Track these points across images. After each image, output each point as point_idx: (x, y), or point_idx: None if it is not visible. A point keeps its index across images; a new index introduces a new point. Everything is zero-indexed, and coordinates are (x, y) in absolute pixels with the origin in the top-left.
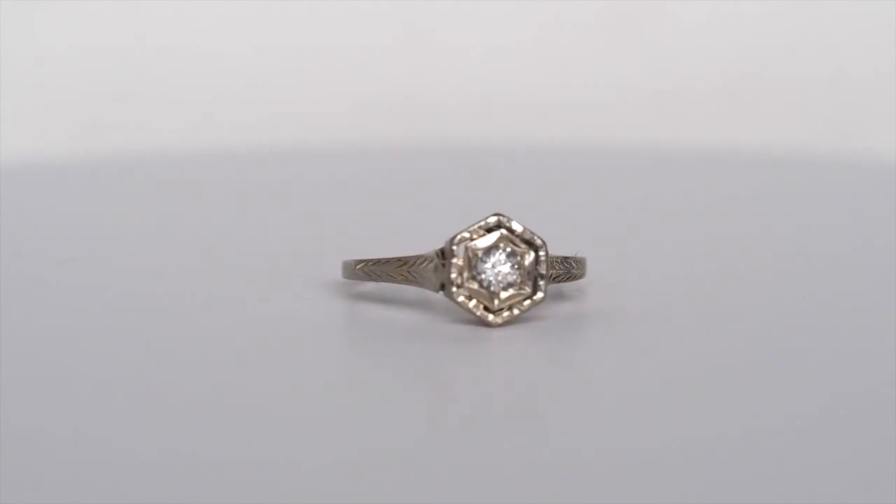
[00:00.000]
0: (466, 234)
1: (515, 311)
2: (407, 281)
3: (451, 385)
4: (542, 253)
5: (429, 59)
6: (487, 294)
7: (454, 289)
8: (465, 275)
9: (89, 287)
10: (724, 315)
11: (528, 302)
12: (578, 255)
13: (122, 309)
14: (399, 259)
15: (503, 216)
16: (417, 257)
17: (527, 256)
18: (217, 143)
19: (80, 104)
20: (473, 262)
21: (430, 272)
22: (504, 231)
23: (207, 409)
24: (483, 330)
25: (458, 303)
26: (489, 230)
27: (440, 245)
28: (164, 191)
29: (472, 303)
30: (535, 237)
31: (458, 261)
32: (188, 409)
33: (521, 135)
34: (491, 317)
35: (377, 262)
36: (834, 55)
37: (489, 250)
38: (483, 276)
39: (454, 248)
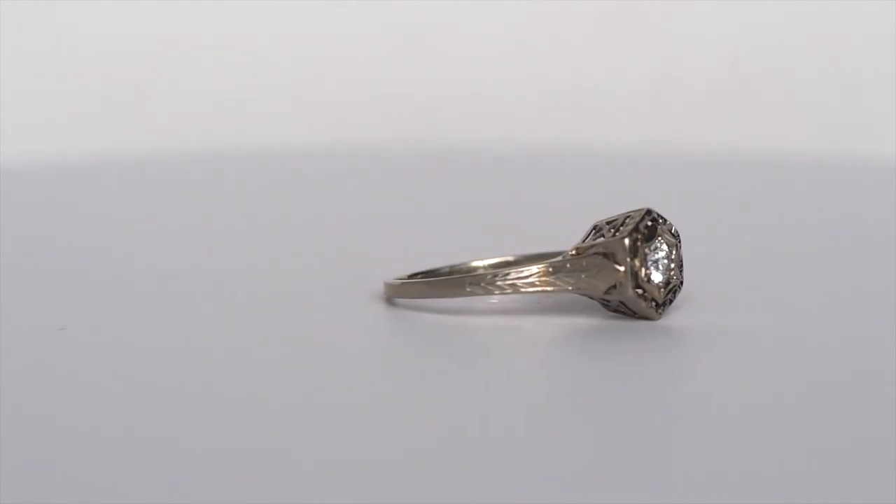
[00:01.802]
0: (638, 232)
1: (668, 303)
2: (553, 288)
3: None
4: (679, 243)
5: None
6: (657, 289)
7: (631, 289)
8: (642, 273)
9: (126, 288)
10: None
11: (676, 292)
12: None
13: (160, 309)
14: (535, 268)
15: (654, 210)
16: (561, 263)
17: (674, 249)
18: (235, 143)
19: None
20: (646, 260)
21: (594, 275)
22: (659, 226)
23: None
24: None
25: (634, 302)
26: (649, 226)
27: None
28: (204, 191)
29: (644, 300)
30: (674, 227)
31: (636, 260)
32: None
33: (521, 136)
34: (656, 312)
35: (502, 275)
36: (834, 55)
37: (655, 247)
38: (653, 271)
39: (632, 246)
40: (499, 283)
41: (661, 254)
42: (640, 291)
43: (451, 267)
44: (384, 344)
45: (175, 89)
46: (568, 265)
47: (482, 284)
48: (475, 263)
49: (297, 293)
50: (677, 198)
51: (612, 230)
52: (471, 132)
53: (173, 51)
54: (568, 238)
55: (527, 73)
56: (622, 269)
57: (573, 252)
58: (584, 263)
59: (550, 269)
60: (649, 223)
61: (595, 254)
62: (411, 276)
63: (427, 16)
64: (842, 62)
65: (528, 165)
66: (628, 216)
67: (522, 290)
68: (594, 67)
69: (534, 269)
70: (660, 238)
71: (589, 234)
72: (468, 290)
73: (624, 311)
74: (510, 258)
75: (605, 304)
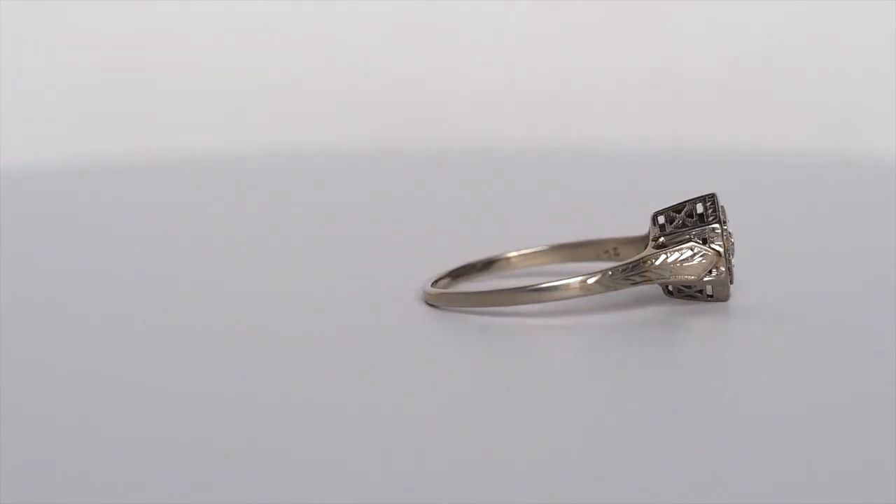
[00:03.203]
0: (722, 216)
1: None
2: (650, 281)
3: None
4: None
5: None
6: (731, 272)
7: (726, 271)
8: (729, 256)
9: (179, 289)
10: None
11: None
12: None
13: (169, 311)
14: (631, 263)
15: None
16: (654, 254)
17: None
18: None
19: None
20: (731, 245)
21: (695, 262)
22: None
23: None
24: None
25: (721, 284)
26: (723, 210)
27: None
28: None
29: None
30: None
31: (727, 242)
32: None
33: (525, 134)
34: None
35: (615, 271)
36: (834, 55)
37: (729, 231)
38: (733, 255)
39: (723, 230)
40: (590, 284)
41: (731, 236)
42: (729, 273)
43: (487, 260)
44: (433, 346)
45: (182, 90)
46: (664, 255)
47: (574, 288)
48: (510, 255)
49: (345, 295)
50: (678, 196)
51: (692, 217)
52: (484, 131)
53: (176, 52)
54: (574, 231)
55: (528, 73)
56: (720, 252)
57: (658, 242)
58: (680, 252)
59: (646, 263)
60: (721, 207)
61: (691, 241)
62: (450, 274)
63: (437, 15)
64: (844, 61)
65: (531, 163)
66: (696, 202)
67: (619, 287)
68: (596, 67)
69: (628, 266)
70: (727, 222)
71: (656, 225)
72: (576, 292)
73: (696, 295)
74: (542, 248)
75: (679, 291)
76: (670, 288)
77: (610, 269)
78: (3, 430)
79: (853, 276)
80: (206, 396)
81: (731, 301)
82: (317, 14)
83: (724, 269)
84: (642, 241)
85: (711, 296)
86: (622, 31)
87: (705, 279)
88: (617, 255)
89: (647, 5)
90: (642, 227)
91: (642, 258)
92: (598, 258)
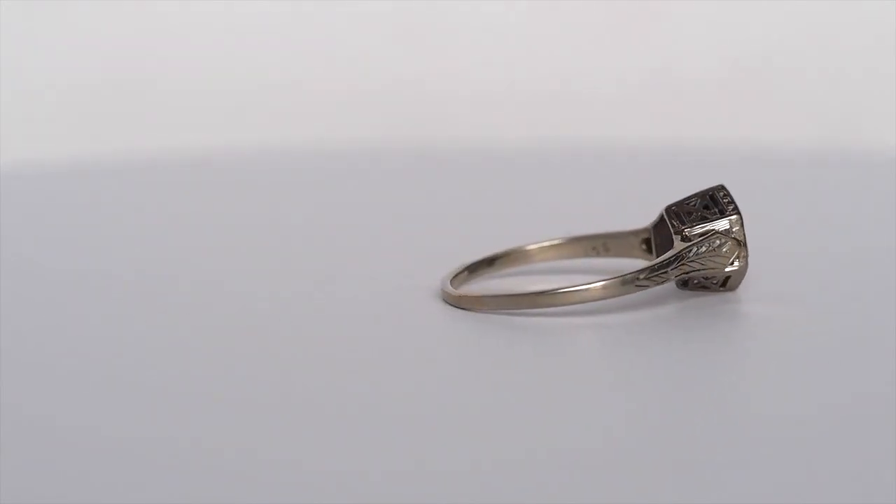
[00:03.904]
0: (737, 206)
1: None
2: (685, 273)
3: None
4: None
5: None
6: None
7: (746, 260)
8: (747, 245)
9: (189, 288)
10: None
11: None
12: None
13: (180, 313)
14: (672, 257)
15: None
16: (690, 247)
17: None
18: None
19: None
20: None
21: (721, 252)
22: None
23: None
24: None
25: (739, 273)
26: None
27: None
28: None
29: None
30: None
31: (743, 231)
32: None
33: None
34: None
35: (660, 265)
36: (834, 54)
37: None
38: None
39: (740, 219)
40: (641, 281)
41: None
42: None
43: (504, 253)
44: (446, 345)
45: (182, 90)
46: (694, 249)
47: (632, 284)
48: (529, 247)
49: (347, 295)
50: (679, 195)
51: (709, 209)
52: (484, 131)
53: (176, 52)
54: (573, 229)
55: (528, 72)
56: (741, 241)
57: (683, 235)
58: (710, 244)
59: (688, 256)
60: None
61: (717, 231)
62: (467, 269)
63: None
64: (844, 61)
65: (531, 163)
66: (709, 193)
67: (663, 281)
68: (596, 67)
69: (672, 259)
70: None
71: (672, 219)
72: (624, 289)
73: (710, 286)
74: (558, 241)
75: (696, 282)
76: (685, 278)
77: (655, 264)
78: (3, 430)
79: (853, 275)
80: (207, 397)
81: (732, 301)
82: (317, 14)
83: (744, 258)
84: (635, 235)
85: (724, 286)
86: (622, 31)
87: (727, 269)
88: (607, 250)
89: (647, 5)
90: (636, 223)
91: (680, 252)
92: (586, 254)
